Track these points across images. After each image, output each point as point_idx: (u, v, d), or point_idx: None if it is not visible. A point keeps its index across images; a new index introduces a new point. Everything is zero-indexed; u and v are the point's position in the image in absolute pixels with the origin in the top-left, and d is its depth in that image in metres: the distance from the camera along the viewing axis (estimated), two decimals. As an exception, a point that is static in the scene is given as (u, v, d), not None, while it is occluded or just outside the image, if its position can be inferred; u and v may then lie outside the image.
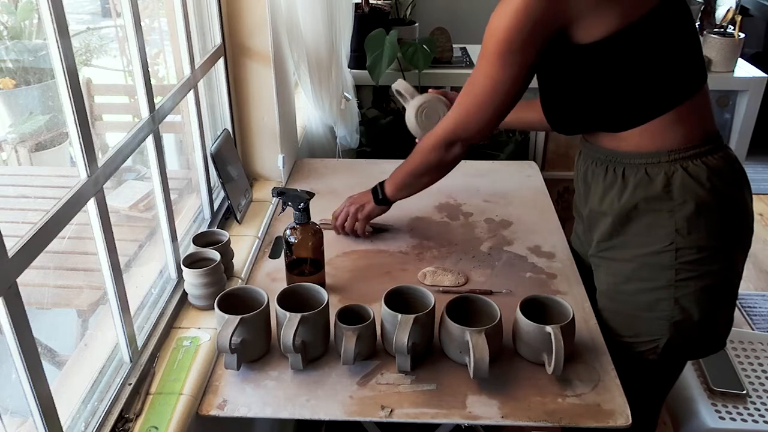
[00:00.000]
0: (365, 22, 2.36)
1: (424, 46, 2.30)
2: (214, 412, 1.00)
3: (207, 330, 1.15)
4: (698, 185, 1.07)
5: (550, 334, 1.02)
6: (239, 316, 1.03)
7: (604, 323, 1.21)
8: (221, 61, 1.53)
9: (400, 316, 1.04)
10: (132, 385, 0.98)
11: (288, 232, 1.22)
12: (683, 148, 1.07)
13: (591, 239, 1.25)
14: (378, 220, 1.47)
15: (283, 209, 1.34)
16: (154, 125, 1.13)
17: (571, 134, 1.25)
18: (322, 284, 1.25)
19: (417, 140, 1.44)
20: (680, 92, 1.07)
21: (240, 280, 1.31)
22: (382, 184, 1.39)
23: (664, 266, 1.11)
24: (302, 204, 1.20)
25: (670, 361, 1.22)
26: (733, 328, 1.24)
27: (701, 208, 1.07)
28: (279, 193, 1.25)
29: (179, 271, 1.23)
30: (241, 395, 1.03)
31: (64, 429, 0.83)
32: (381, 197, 1.38)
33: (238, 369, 1.05)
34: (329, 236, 1.49)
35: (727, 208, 1.10)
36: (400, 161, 1.87)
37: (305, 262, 1.25)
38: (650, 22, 1.00)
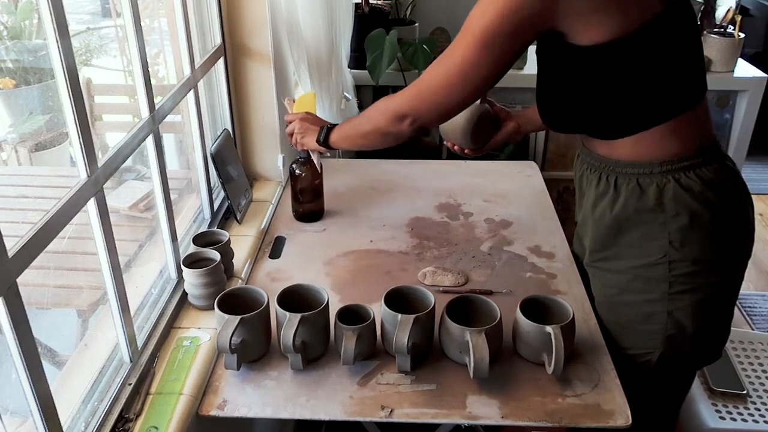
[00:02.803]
0: (365, 22, 2.36)
1: (424, 46, 2.30)
2: (214, 412, 1.00)
3: (207, 330, 1.15)
4: (691, 198, 1.04)
5: (550, 334, 1.02)
6: (239, 316, 1.03)
7: (603, 333, 1.19)
8: (221, 61, 1.53)
9: (400, 316, 1.04)
10: (132, 385, 0.98)
11: (294, 165, 1.49)
12: (676, 159, 1.04)
13: (584, 246, 1.24)
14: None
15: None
16: (154, 125, 1.13)
17: (562, 132, 1.23)
18: (322, 210, 1.56)
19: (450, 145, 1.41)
20: (679, 104, 1.04)
21: (240, 280, 1.31)
22: (331, 127, 1.31)
23: (658, 279, 1.09)
24: None
25: (669, 373, 1.19)
26: (733, 328, 1.23)
27: (695, 221, 1.05)
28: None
29: (179, 271, 1.23)
30: (241, 395, 1.03)
31: (64, 429, 0.83)
32: (323, 138, 1.31)
33: (238, 369, 1.05)
34: (330, 237, 1.49)
35: (723, 221, 1.08)
36: (401, 161, 1.89)
37: (308, 192, 1.51)
38: (653, 30, 0.96)
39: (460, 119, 1.32)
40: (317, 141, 1.32)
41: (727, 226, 1.09)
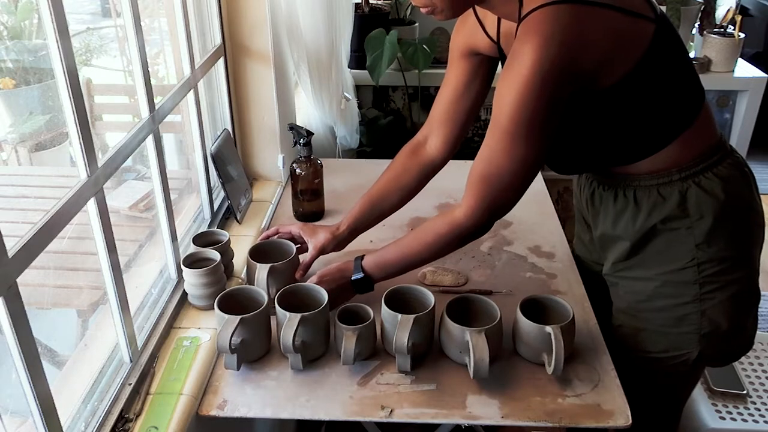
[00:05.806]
0: (365, 22, 2.36)
1: (424, 46, 2.30)
2: (214, 412, 1.00)
3: (207, 330, 1.15)
4: (713, 198, 1.05)
5: (550, 334, 1.02)
6: (239, 317, 1.03)
7: (624, 339, 1.18)
8: (221, 61, 1.53)
9: (400, 316, 1.04)
10: (132, 385, 0.98)
11: (295, 165, 1.51)
12: (694, 163, 1.05)
13: (604, 258, 1.23)
14: None
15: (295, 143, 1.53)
16: (154, 125, 1.13)
17: (576, 173, 1.22)
18: (322, 210, 1.57)
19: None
20: (688, 115, 1.04)
21: (240, 280, 1.31)
22: (363, 270, 1.16)
23: (688, 282, 1.09)
24: (302, 140, 1.49)
25: (700, 369, 1.20)
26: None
27: (719, 221, 1.05)
28: (291, 127, 1.54)
29: (179, 271, 1.23)
30: (241, 395, 1.03)
31: (64, 429, 0.83)
32: (365, 286, 1.17)
33: (238, 369, 1.05)
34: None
35: (744, 214, 1.09)
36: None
37: (308, 191, 1.53)
38: (652, 56, 0.96)
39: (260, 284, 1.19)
40: (360, 291, 1.18)
41: (747, 218, 1.10)
